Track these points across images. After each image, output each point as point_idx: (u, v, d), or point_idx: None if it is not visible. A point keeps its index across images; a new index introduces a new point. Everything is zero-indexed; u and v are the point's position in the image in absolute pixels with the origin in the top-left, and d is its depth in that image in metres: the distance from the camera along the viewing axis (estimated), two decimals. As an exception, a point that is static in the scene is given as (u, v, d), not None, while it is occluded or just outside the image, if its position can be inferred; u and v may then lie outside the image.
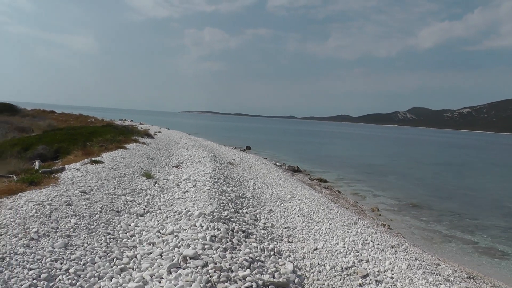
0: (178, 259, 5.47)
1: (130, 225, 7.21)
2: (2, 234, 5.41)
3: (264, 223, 9.18)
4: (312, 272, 6.70)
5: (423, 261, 8.32)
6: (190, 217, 7.68)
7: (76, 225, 6.43)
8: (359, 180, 23.39)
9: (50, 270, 4.80)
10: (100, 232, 6.46)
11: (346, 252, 7.96)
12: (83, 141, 17.08)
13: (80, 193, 8.20)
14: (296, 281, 5.97)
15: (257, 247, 6.91)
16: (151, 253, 5.90)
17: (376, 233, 9.95)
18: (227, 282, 5.05)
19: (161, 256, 5.72)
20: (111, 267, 5.33)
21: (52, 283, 4.59)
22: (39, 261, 4.93)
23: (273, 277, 5.76)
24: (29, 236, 5.53)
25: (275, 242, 7.88)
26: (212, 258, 5.67)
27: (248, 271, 5.54)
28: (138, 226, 7.22)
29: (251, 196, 11.96)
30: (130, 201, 8.67)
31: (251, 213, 9.78)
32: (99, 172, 10.61)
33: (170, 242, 6.25)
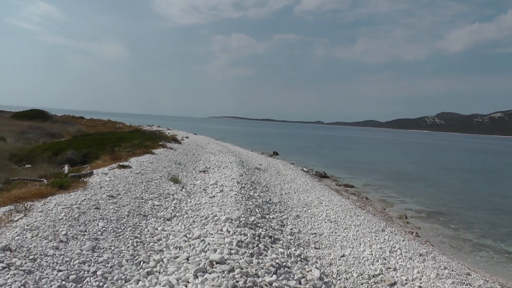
0: (205, 264, 5.45)
1: (157, 229, 7.24)
2: (34, 236, 5.50)
3: (291, 229, 9.10)
4: (339, 279, 6.59)
5: (453, 270, 8.09)
6: (217, 222, 7.66)
7: (103, 229, 6.49)
8: (386, 186, 23.04)
9: (78, 272, 4.84)
10: (127, 236, 6.51)
11: (374, 260, 7.83)
12: (111, 146, 17.33)
13: (108, 197, 8.29)
14: None
15: (283, 253, 6.84)
16: (177, 257, 5.90)
17: (404, 240, 9.76)
18: (253, 287, 5.01)
19: (188, 260, 5.71)
20: (138, 270, 5.36)
21: (80, 285, 4.63)
22: (67, 263, 4.98)
23: (300, 284, 5.69)
24: (58, 239, 5.60)
25: (301, 248, 7.79)
26: (239, 263, 5.63)
27: (274, 276, 5.49)
28: (165, 230, 7.24)
29: (278, 202, 11.90)
30: (157, 206, 8.71)
31: (278, 219, 9.71)
32: (126, 177, 10.72)
33: (196, 247, 6.24)
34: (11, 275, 4.39)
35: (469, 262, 10.36)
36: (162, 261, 5.77)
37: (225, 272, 5.24)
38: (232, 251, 6.04)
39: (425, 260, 8.34)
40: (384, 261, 7.82)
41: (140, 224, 7.24)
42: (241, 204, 9.42)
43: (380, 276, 7.00)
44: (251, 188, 12.46)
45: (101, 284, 4.77)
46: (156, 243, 6.57)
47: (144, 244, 6.39)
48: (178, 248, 6.35)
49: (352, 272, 6.99)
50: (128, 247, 6.06)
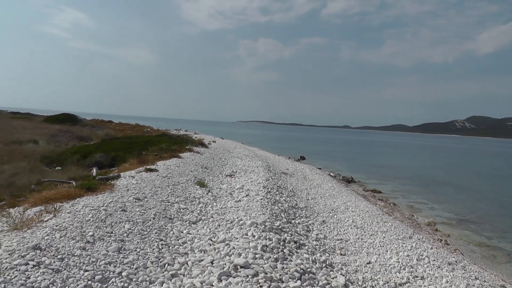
0: (229, 268, 5.45)
1: (182, 232, 7.28)
2: (62, 236, 5.60)
3: (317, 234, 9.02)
4: (365, 287, 6.48)
5: (485, 281, 7.82)
6: (242, 226, 7.66)
7: (129, 231, 6.56)
8: (414, 192, 22.56)
9: (104, 272, 4.90)
10: (153, 238, 6.56)
11: (400, 267, 7.67)
12: (138, 150, 17.53)
13: (134, 200, 8.38)
14: (348, 295, 5.80)
15: (308, 259, 6.78)
16: (202, 260, 5.92)
17: (432, 248, 9.53)
18: (277, 292, 4.98)
19: (212, 263, 5.72)
20: (163, 273, 5.39)
21: (106, 285, 4.68)
22: (94, 263, 5.05)
23: (325, 290, 5.63)
24: (85, 239, 5.69)
25: (327, 254, 7.71)
26: (263, 268, 5.62)
27: (298, 282, 5.45)
28: (190, 234, 7.27)
29: (304, 207, 11.82)
30: (183, 209, 8.76)
31: (304, 224, 9.64)
32: (153, 180, 10.82)
33: (221, 250, 6.25)
34: (40, 273, 4.48)
35: (503, 273, 9.84)
36: (187, 263, 5.79)
37: (249, 276, 5.23)
38: (257, 256, 6.03)
39: (454, 269, 8.12)
40: (411, 269, 7.65)
41: (166, 227, 7.29)
42: (267, 209, 9.39)
43: (407, 284, 6.86)
44: (277, 192, 12.42)
45: (126, 285, 4.81)
46: (181, 246, 6.60)
47: (169, 246, 6.43)
48: (202, 251, 6.37)
49: (378, 279, 6.87)
50: (153, 249, 6.10)
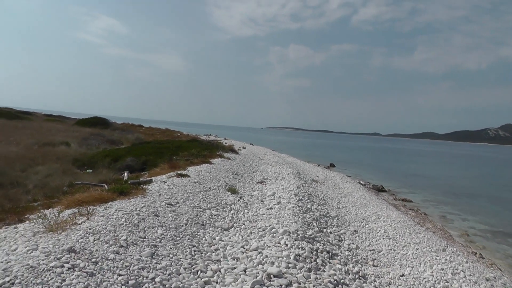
0: (262, 276, 5.37)
1: (214, 238, 7.23)
2: (96, 240, 5.61)
3: (349, 244, 8.83)
4: (400, 301, 6.29)
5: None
6: (275, 234, 7.56)
7: (162, 236, 6.55)
8: (446, 202, 21.92)
9: (137, 277, 4.87)
10: (186, 244, 6.52)
11: (435, 281, 7.37)
12: (169, 155, 17.64)
13: (166, 205, 8.39)
14: (383, 308, 5.63)
15: (341, 269, 6.62)
16: (235, 268, 5.85)
17: (467, 262, 9.19)
18: (312, 303, 4.86)
19: (245, 272, 5.65)
20: (195, 279, 5.33)
21: (139, 291, 4.66)
22: (127, 268, 5.03)
23: (360, 302, 5.48)
24: (118, 244, 5.68)
25: (359, 265, 7.52)
26: (296, 277, 5.52)
27: (333, 293, 5.31)
28: (223, 241, 7.22)
29: (335, 216, 11.63)
30: (214, 215, 8.72)
31: (336, 233, 9.46)
32: (185, 186, 10.83)
33: (254, 259, 6.17)
34: (75, 276, 4.48)
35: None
36: (220, 271, 5.73)
37: (283, 286, 5.15)
38: (290, 265, 5.93)
39: (493, 285, 7.79)
40: (446, 283, 7.35)
41: (198, 233, 7.26)
42: (299, 217, 9.26)
43: (443, 300, 6.61)
44: (308, 200, 12.26)
45: (159, 291, 4.77)
46: (213, 252, 6.55)
47: (201, 253, 6.38)
48: (235, 259, 6.30)
49: (413, 293, 6.65)
50: (186, 256, 6.07)
